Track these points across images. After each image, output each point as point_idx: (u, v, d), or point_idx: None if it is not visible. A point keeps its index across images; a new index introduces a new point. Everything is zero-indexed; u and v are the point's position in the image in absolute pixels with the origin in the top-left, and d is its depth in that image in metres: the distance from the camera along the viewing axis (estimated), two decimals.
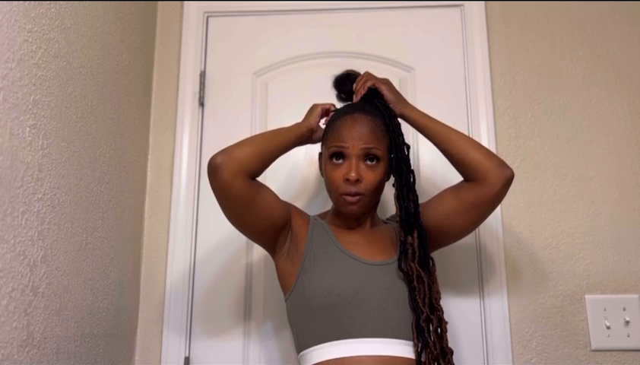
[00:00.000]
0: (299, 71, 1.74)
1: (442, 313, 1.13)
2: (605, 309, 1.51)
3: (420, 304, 1.11)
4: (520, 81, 1.69)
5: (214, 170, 1.09)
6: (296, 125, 1.25)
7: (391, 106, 1.26)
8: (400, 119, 1.26)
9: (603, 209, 1.59)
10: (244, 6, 1.79)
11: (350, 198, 1.17)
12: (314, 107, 1.30)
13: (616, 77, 1.68)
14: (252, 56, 1.76)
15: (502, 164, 1.17)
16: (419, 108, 1.55)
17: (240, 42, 1.77)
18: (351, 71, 1.35)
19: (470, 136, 1.51)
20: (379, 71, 1.69)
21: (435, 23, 1.75)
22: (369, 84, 1.28)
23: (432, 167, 1.61)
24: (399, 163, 1.20)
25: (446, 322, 1.13)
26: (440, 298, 1.15)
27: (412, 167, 1.22)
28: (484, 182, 1.15)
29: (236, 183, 1.09)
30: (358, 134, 1.17)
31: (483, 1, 1.74)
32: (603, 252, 1.56)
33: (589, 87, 1.68)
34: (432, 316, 1.11)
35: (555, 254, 1.57)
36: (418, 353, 1.09)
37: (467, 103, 1.67)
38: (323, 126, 1.29)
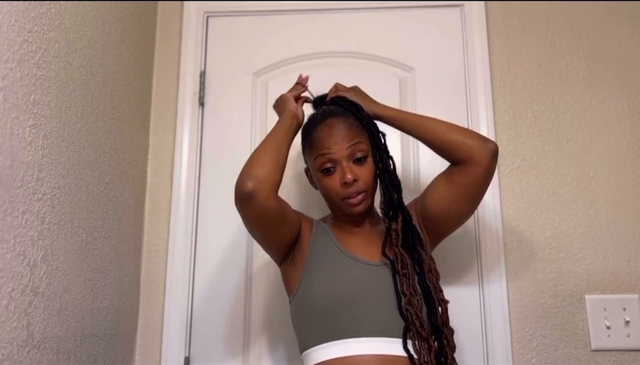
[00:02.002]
0: (299, 71, 1.72)
1: (437, 292, 1.13)
2: (605, 309, 1.51)
3: (405, 287, 1.10)
4: (520, 81, 1.69)
5: (248, 198, 1.05)
6: (285, 119, 1.24)
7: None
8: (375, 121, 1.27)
9: (603, 209, 1.59)
10: (244, 6, 1.79)
11: (353, 201, 1.18)
12: (284, 97, 1.31)
13: (616, 77, 1.68)
14: (252, 56, 1.76)
15: (484, 140, 1.17)
16: (420, 108, 1.55)
17: (240, 42, 1.77)
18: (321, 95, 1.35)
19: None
20: (379, 71, 1.71)
21: (435, 23, 1.75)
22: (332, 95, 1.29)
23: (432, 166, 1.61)
24: (379, 152, 1.20)
25: (445, 301, 1.13)
26: (437, 278, 1.15)
27: (390, 154, 1.22)
28: (470, 161, 1.16)
29: (270, 205, 1.08)
30: (339, 136, 1.18)
31: (483, 1, 1.74)
32: (603, 252, 1.56)
33: (589, 87, 1.68)
34: (416, 297, 1.10)
35: (555, 254, 1.57)
36: (403, 339, 1.07)
37: (467, 103, 1.67)
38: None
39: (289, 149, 1.18)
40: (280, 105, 1.32)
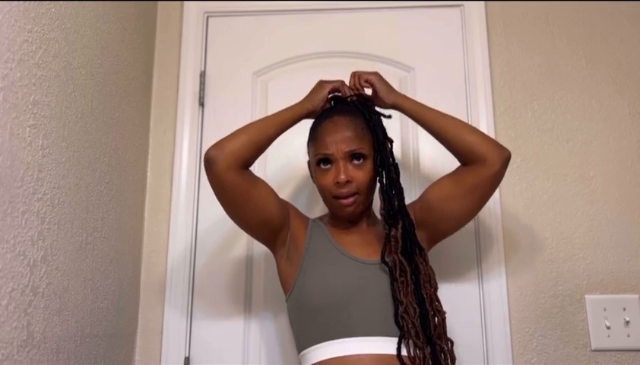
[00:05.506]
0: (299, 71, 1.74)
1: (434, 302, 1.12)
2: (605, 309, 1.51)
3: (401, 295, 1.10)
4: (520, 81, 1.69)
5: (208, 164, 1.12)
6: (299, 105, 1.24)
7: (382, 96, 1.26)
8: (392, 111, 1.27)
9: (603, 209, 1.59)
10: (244, 6, 1.79)
11: (344, 201, 1.18)
12: (321, 87, 1.27)
13: (616, 77, 1.68)
14: (252, 56, 1.76)
15: (500, 146, 1.19)
16: None
17: (240, 42, 1.77)
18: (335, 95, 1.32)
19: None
20: (379, 71, 1.70)
21: (435, 23, 1.75)
22: (364, 78, 1.28)
23: (433, 161, 1.61)
24: (382, 158, 1.20)
25: (442, 312, 1.12)
26: (435, 288, 1.14)
27: (396, 161, 1.21)
28: (484, 162, 1.16)
29: (230, 176, 1.11)
30: (340, 138, 1.18)
31: (483, 1, 1.74)
32: (603, 252, 1.56)
33: (589, 87, 1.68)
34: (412, 305, 1.09)
35: (555, 254, 1.57)
36: (398, 347, 1.07)
37: (467, 103, 1.67)
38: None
39: (278, 134, 1.19)
40: (314, 91, 1.27)
